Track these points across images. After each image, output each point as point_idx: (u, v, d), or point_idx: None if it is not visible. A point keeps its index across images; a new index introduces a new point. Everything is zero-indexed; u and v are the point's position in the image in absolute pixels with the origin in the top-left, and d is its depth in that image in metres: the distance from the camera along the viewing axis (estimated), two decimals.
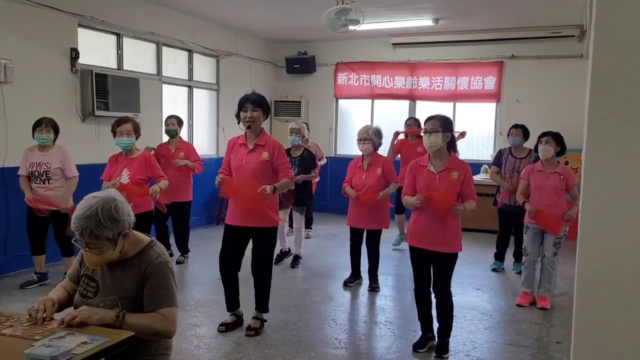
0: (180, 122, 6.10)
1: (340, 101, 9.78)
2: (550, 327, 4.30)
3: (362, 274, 5.40)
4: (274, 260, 4.86)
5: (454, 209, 3.48)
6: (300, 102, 9.69)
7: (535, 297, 4.82)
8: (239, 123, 3.98)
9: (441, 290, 3.66)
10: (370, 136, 5.04)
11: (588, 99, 2.38)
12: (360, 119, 9.38)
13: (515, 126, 5.87)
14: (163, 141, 6.26)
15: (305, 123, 7.28)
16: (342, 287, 5.29)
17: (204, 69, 8.31)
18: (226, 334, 3.99)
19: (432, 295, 3.71)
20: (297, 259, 6.02)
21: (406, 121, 6.90)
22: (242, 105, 3.91)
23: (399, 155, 6.67)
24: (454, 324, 3.80)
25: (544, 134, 4.76)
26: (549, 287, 4.77)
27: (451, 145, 3.63)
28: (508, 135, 5.93)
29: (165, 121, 6.10)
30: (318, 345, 3.87)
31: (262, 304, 4.08)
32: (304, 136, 5.97)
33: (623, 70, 2.28)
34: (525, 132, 5.81)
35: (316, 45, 9.53)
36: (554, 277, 4.86)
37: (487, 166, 8.33)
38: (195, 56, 8.04)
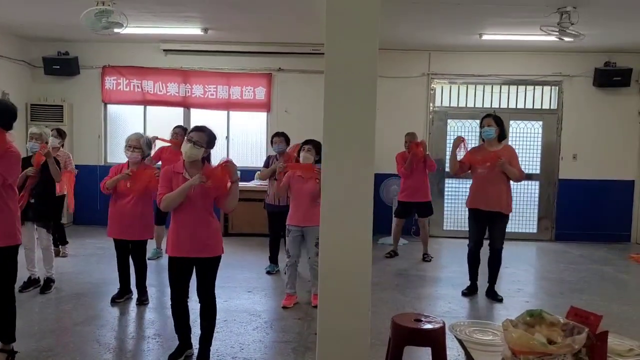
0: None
1: (110, 107, 9.22)
2: (310, 320, 4.69)
3: (132, 288, 5.19)
4: (19, 288, 4.66)
5: None
6: (62, 106, 8.86)
7: (297, 298, 5.14)
8: None
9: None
10: (141, 145, 4.92)
11: (324, 111, 2.70)
12: (132, 125, 8.98)
13: (277, 134, 6.38)
14: None
15: (61, 129, 6.68)
16: (110, 303, 5.01)
17: None
18: None
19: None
20: (48, 282, 5.35)
21: (173, 128, 6.81)
22: None
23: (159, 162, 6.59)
24: (223, 328, 3.90)
25: (306, 142, 5.14)
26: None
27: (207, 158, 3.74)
28: (272, 143, 6.38)
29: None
30: None
31: (6, 333, 3.63)
32: (47, 143, 5.33)
33: (349, 84, 2.64)
34: (287, 139, 6.34)
35: (79, 46, 8.82)
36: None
37: (259, 172, 8.73)
38: None
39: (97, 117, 9.09)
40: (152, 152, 5.88)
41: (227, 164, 3.51)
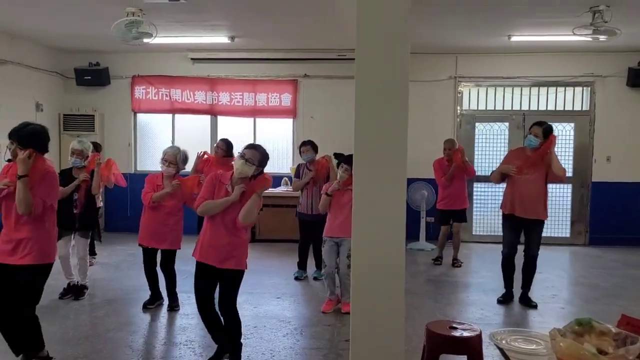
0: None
1: (139, 115, 9.37)
2: (341, 326, 4.66)
3: (162, 294, 5.23)
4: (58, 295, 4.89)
5: None
6: (93, 116, 9.03)
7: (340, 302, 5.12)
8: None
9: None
10: (177, 161, 5.01)
11: (355, 116, 2.68)
12: (162, 133, 9.11)
13: (304, 143, 6.34)
14: None
15: (97, 142, 6.79)
16: (142, 310, 5.06)
17: None
18: None
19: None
20: (82, 289, 5.42)
21: (218, 142, 6.78)
22: (9, 136, 3.59)
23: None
24: (253, 334, 3.89)
25: (344, 161, 4.96)
26: (349, 294, 5.07)
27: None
28: (300, 153, 6.36)
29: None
30: None
31: (35, 345, 3.60)
32: (87, 157, 5.43)
33: (381, 89, 2.62)
34: (314, 147, 6.29)
35: (110, 57, 9.00)
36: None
37: (286, 179, 8.76)
38: None
39: (127, 126, 9.24)
40: (190, 165, 5.89)
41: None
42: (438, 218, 7.32)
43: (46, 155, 3.65)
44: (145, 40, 6.25)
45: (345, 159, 5.06)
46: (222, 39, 7.77)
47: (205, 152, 6.59)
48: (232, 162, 3.90)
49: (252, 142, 9.02)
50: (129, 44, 6.43)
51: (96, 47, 8.54)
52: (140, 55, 8.84)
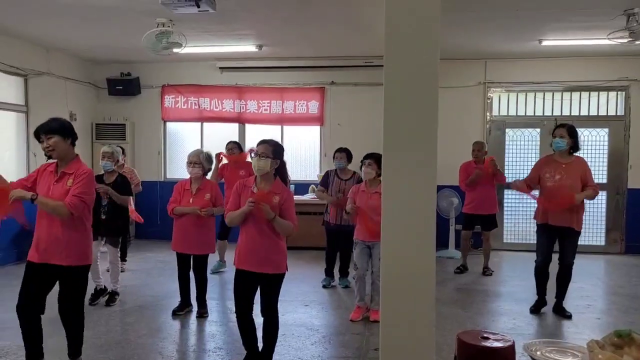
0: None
1: (169, 124, 9.52)
2: (369, 335, 4.62)
3: (191, 301, 5.27)
4: (88, 301, 4.91)
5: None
6: (125, 125, 9.22)
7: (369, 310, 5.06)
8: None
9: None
10: (201, 161, 5.05)
11: (383, 123, 2.66)
12: (190, 142, 9.23)
13: (340, 150, 6.25)
14: None
15: (121, 147, 6.92)
16: (171, 316, 5.11)
17: (9, 89, 7.50)
18: None
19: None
20: (113, 295, 5.49)
21: (227, 145, 6.94)
22: (37, 137, 3.62)
23: (223, 179, 6.73)
24: (281, 342, 3.89)
25: (366, 157, 5.09)
26: (379, 300, 5.03)
27: (280, 172, 3.76)
28: (334, 158, 6.29)
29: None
30: None
31: (73, 349, 3.73)
32: (117, 161, 5.64)
33: (410, 95, 2.59)
34: (349, 155, 6.21)
35: (140, 67, 9.18)
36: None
37: (314, 186, 8.75)
38: None
39: (157, 135, 9.40)
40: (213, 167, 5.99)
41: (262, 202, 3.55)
42: (463, 222, 7.18)
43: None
44: (175, 50, 6.36)
45: (367, 155, 5.09)
46: (249, 47, 7.85)
47: (221, 153, 6.68)
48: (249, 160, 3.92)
49: (277, 143, 9.07)
50: (159, 54, 6.54)
51: (127, 57, 8.73)
52: (169, 65, 8.99)
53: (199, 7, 5.02)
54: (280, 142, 3.84)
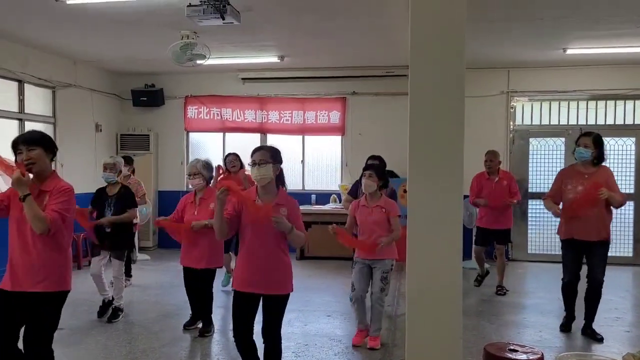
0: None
1: (191, 134, 9.63)
2: (393, 347, 4.57)
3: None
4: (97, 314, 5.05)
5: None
6: (148, 135, 9.36)
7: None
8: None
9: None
10: (199, 170, 4.86)
11: (409, 133, 2.65)
12: (213, 152, 9.31)
13: (373, 157, 5.88)
14: None
15: (126, 157, 6.88)
16: (182, 330, 4.96)
17: (37, 100, 7.68)
18: None
19: None
20: (116, 312, 5.25)
21: (227, 157, 6.62)
22: (14, 149, 3.15)
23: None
24: (304, 352, 3.85)
25: (367, 167, 4.72)
26: (379, 325, 4.59)
27: (280, 179, 3.41)
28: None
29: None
30: None
31: None
32: (120, 171, 5.42)
33: (436, 105, 2.58)
34: (381, 163, 5.76)
35: (164, 78, 9.32)
36: (383, 316, 4.73)
37: (335, 196, 8.76)
38: (27, 87, 7.41)
39: (180, 145, 9.51)
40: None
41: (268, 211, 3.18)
42: (476, 237, 6.67)
43: None
44: (199, 61, 6.43)
45: (367, 166, 4.79)
46: (271, 58, 7.91)
47: (219, 166, 6.23)
48: (244, 175, 3.58)
49: (300, 158, 9.13)
50: (183, 66, 6.63)
51: (151, 69, 8.87)
52: (192, 76, 9.11)
53: (224, 19, 5.04)
54: (274, 146, 3.47)
